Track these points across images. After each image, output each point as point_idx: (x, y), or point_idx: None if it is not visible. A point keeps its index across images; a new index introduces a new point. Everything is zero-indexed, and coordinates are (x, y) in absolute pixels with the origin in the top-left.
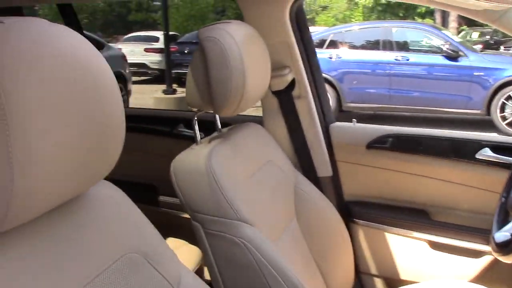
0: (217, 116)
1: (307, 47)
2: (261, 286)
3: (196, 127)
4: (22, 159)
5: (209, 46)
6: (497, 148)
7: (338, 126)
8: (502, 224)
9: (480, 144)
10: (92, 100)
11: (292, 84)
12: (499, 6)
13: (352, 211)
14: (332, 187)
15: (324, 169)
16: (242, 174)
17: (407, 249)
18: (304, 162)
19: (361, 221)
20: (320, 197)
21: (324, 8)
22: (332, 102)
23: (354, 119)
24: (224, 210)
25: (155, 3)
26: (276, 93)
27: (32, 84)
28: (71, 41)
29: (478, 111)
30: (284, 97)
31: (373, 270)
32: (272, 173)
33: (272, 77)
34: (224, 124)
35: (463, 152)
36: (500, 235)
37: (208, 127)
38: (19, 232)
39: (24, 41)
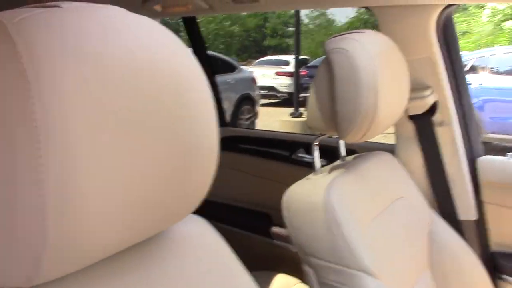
0: (341, 142)
1: (455, 66)
2: None
3: (317, 153)
4: (60, 198)
5: (336, 58)
6: None
7: (487, 160)
8: None
9: None
10: (177, 115)
11: (433, 108)
12: None
13: (500, 265)
14: (476, 233)
15: (467, 211)
16: (368, 212)
17: None
18: (443, 201)
19: (510, 277)
20: (460, 245)
21: (464, 33)
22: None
23: (509, 153)
24: (343, 256)
25: (289, 29)
26: (414, 118)
27: (89, 87)
28: (156, 36)
29: None
30: (423, 123)
31: None
32: (404, 212)
33: (410, 99)
34: (350, 152)
35: None
36: None
37: (331, 154)
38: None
39: (85, 28)
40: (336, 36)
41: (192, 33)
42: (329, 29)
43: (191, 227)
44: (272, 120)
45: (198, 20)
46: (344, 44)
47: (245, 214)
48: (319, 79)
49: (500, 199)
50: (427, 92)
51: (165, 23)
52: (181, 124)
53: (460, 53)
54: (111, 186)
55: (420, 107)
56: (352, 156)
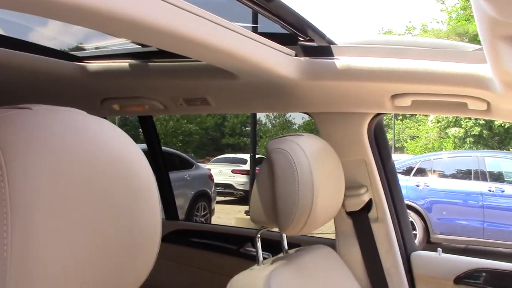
0: (284, 235)
1: (386, 167)
2: None
3: (259, 245)
4: (20, 272)
5: (277, 158)
6: None
7: (421, 255)
8: None
9: None
10: (124, 203)
11: (368, 205)
12: None
13: None
14: None
15: None
16: None
17: None
18: None
19: None
20: None
21: (413, 137)
22: (419, 232)
23: (439, 249)
24: None
25: (247, 128)
26: (351, 214)
27: (51, 177)
28: (108, 134)
29: None
30: (360, 219)
31: None
32: None
33: (347, 197)
34: (294, 245)
35: None
36: None
37: (277, 248)
38: None
39: (50, 128)
40: (278, 138)
41: (147, 131)
42: (287, 129)
43: None
44: (229, 217)
45: (157, 117)
46: (283, 145)
47: None
48: (261, 176)
49: None
50: (362, 191)
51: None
52: (127, 211)
53: (402, 158)
54: (63, 264)
55: (356, 204)
56: (294, 249)
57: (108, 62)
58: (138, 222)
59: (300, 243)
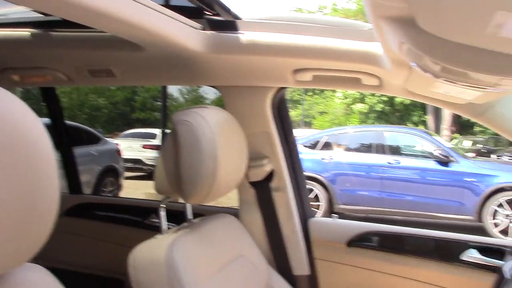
0: (188, 205)
1: (288, 138)
2: None
3: (162, 215)
4: None
5: (181, 129)
6: (483, 249)
7: (317, 221)
8: None
9: (466, 245)
10: (21, 171)
11: (270, 175)
12: (483, 100)
13: None
14: (308, 287)
15: (300, 267)
16: (209, 269)
17: None
18: (279, 258)
19: None
20: None
21: (322, 113)
22: (323, 203)
23: (334, 215)
24: None
25: (158, 103)
26: (254, 184)
27: None
28: (6, 104)
29: (470, 217)
30: (262, 189)
31: None
32: (243, 269)
33: (250, 167)
34: (198, 215)
35: (448, 252)
36: None
37: (181, 218)
38: None
39: None
40: (183, 109)
41: (50, 103)
42: (200, 104)
43: (28, 274)
44: (138, 192)
45: (63, 90)
46: (188, 117)
47: (98, 282)
48: (166, 147)
49: (329, 255)
50: (265, 161)
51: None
52: (24, 182)
53: (293, 128)
54: None
55: (259, 174)
56: (198, 219)
57: (8, 31)
58: (35, 193)
59: (204, 213)
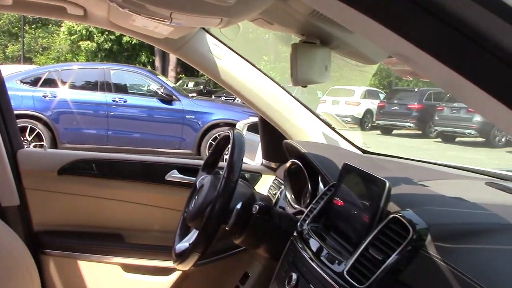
0: None
1: None
2: None
3: None
4: None
5: None
6: (183, 169)
7: (26, 152)
8: (183, 237)
9: (169, 166)
10: None
11: None
12: (177, 35)
13: (42, 242)
14: (19, 217)
15: (9, 198)
16: None
17: (100, 276)
18: None
19: (53, 251)
20: (3, 229)
21: (45, 49)
22: (47, 143)
23: (45, 145)
24: None
25: None
26: None
27: None
28: None
29: (190, 151)
30: None
31: None
32: None
33: None
34: None
35: (154, 174)
36: (180, 246)
37: None
38: None
39: None
40: None
41: None
42: None
43: None
44: None
45: None
46: None
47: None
48: None
49: (40, 184)
50: None
51: None
52: None
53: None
54: None
55: None
56: None
57: None
58: None
59: None
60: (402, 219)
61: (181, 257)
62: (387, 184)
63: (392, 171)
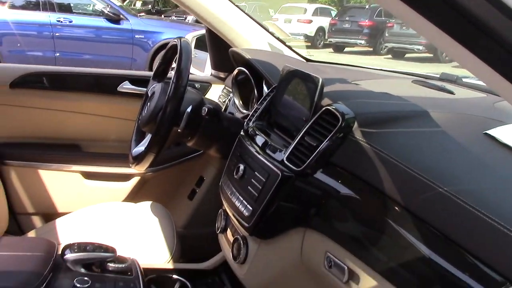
0: None
1: None
2: None
3: None
4: None
5: None
6: (134, 80)
7: None
8: (139, 142)
9: (121, 78)
10: None
11: None
12: None
13: (2, 153)
14: None
15: None
16: None
17: (61, 183)
18: None
19: (13, 161)
20: None
21: None
22: None
23: None
24: None
25: None
26: None
27: None
28: None
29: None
30: None
31: (30, 209)
32: None
33: None
34: None
35: (107, 86)
36: (136, 150)
37: None
38: None
39: None
40: None
41: None
42: None
43: None
44: None
45: None
46: None
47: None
48: None
49: None
50: None
51: None
52: None
53: None
54: None
55: None
56: None
57: None
58: None
59: None
60: (333, 110)
61: (137, 159)
62: (321, 80)
63: (329, 73)
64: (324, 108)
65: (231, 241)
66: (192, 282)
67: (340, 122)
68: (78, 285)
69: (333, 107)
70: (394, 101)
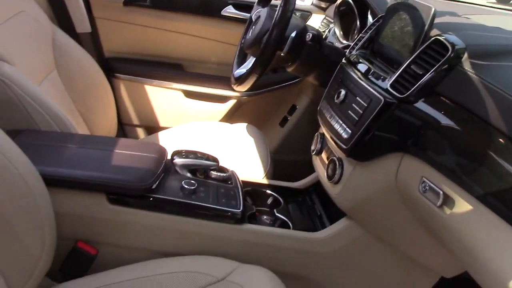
0: None
1: None
2: (23, 119)
3: None
4: None
5: None
6: (238, 6)
7: None
8: (241, 64)
9: (225, 2)
10: None
11: None
12: None
13: (112, 67)
14: (91, 43)
15: (82, 25)
16: None
17: (163, 99)
18: (61, 16)
19: (122, 75)
20: (80, 51)
21: None
22: None
23: None
24: None
25: None
26: None
27: None
28: None
29: None
30: None
31: (135, 121)
32: (27, 23)
33: None
34: None
35: (211, 9)
36: (239, 71)
37: None
38: None
39: None
40: None
41: None
42: None
43: None
44: None
45: None
46: None
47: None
48: None
49: (108, 14)
50: None
51: None
52: None
53: None
54: None
55: None
56: None
57: None
58: None
59: None
60: (443, 40)
61: (240, 80)
62: (433, 9)
63: (438, 6)
64: (433, 38)
65: (326, 162)
66: (284, 198)
67: (449, 52)
68: (186, 186)
69: (443, 37)
70: (506, 35)
